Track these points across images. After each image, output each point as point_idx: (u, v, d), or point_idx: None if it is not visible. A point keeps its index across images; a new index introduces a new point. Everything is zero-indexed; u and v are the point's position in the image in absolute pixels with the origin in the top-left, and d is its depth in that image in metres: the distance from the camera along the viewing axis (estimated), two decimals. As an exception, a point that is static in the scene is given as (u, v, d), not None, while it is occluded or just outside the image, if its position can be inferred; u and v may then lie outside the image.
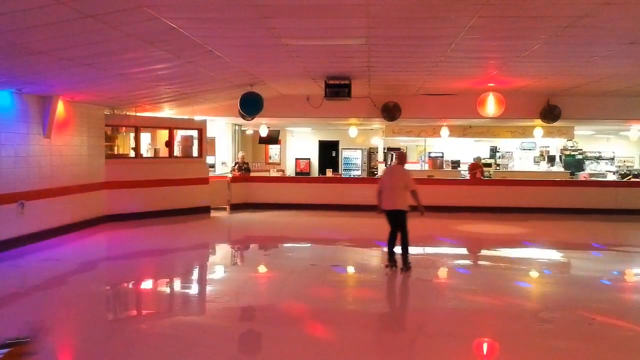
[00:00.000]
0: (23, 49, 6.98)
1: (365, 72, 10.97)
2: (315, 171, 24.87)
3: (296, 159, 25.21)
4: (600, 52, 8.65)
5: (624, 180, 18.79)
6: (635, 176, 19.55)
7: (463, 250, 11.29)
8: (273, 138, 23.06)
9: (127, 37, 7.16)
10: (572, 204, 15.46)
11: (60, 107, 10.78)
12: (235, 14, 6.55)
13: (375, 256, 10.34)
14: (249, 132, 23.28)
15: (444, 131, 18.85)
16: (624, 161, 23.15)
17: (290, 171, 24.42)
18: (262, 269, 9.44)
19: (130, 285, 8.25)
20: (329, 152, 25.53)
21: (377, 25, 7.02)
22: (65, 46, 7.25)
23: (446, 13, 6.38)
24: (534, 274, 9.12)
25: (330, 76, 11.67)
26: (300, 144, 25.45)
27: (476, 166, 17.79)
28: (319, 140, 25.49)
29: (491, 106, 12.57)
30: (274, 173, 19.98)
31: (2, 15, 5.69)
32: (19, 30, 6.28)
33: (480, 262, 10.29)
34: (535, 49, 8.32)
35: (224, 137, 19.92)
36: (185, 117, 15.50)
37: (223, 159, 19.89)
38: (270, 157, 25.32)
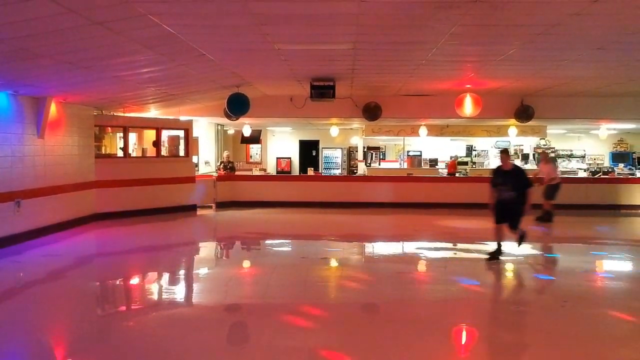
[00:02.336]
0: (27, 53, 7.31)
1: (349, 74, 11.45)
2: (295, 170, 25.27)
3: (277, 158, 25.60)
4: (571, 57, 9.26)
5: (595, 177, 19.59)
6: (604, 174, 20.31)
7: (441, 244, 11.78)
8: (255, 137, 23.45)
9: (128, 42, 7.52)
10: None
11: (53, 108, 11.06)
12: (232, 22, 6.96)
13: (357, 251, 10.84)
14: (231, 131, 23.64)
15: (422, 130, 19.42)
16: (595, 159, 24.02)
17: (271, 170, 24.78)
18: (250, 263, 9.86)
19: (124, 281, 8.60)
20: (309, 151, 25.98)
21: (365, 32, 7.49)
22: (68, 50, 7.59)
23: (430, 22, 6.87)
24: (509, 265, 9.69)
25: (315, 77, 12.11)
26: (281, 144, 25.86)
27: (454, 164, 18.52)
28: (300, 140, 25.93)
29: (468, 107, 13.17)
30: (256, 172, 20.35)
31: (12, 24, 6.03)
32: (27, 37, 6.61)
33: (458, 255, 10.83)
34: (510, 53, 8.89)
35: (207, 137, 20.25)
36: (171, 117, 15.81)
37: (206, 159, 20.23)
38: (251, 157, 25.68)
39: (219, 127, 21.07)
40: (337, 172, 24.83)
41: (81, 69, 8.77)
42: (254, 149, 25.61)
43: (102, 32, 6.74)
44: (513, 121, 16.53)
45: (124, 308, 7.28)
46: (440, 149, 23.08)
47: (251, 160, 25.30)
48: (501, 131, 19.81)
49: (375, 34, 7.78)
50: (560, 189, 13.72)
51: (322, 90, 12.23)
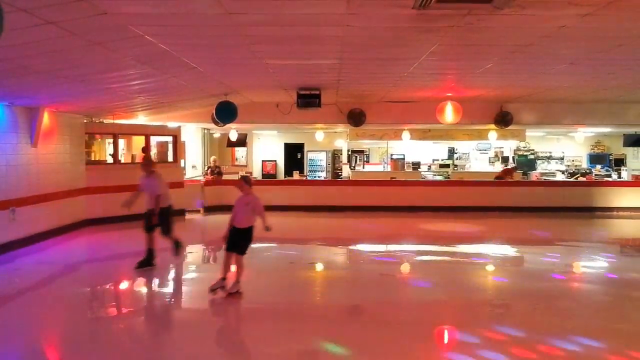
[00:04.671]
0: (26, 70, 7.62)
1: (334, 83, 11.85)
2: (281, 173, 25.54)
3: (262, 161, 25.83)
4: (545, 70, 9.76)
5: (573, 179, 20.22)
6: (582, 175, 20.91)
7: (423, 247, 12.21)
8: (241, 141, 23.68)
9: (123, 59, 7.86)
10: (525, 203, 16.78)
11: (45, 118, 11.32)
12: (225, 41, 7.32)
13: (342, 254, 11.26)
14: (217, 135, 23.86)
15: (405, 134, 19.76)
16: (573, 160, 24.62)
17: (256, 173, 25.03)
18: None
19: (115, 286, 8.93)
20: (294, 154, 26.25)
21: (350, 49, 7.91)
22: (65, 67, 7.92)
23: (411, 42, 7.31)
24: (490, 267, 10.16)
25: (302, 87, 12.49)
26: (266, 146, 26.07)
27: (509, 171, 19.01)
28: (285, 143, 26.14)
29: (449, 114, 13.65)
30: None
31: (15, 46, 6.34)
32: (28, 56, 6.93)
33: (439, 258, 11.27)
34: (488, 67, 9.36)
35: (194, 141, 20.50)
36: (159, 123, 16.08)
37: (193, 162, 20.49)
38: (237, 159, 25.89)
39: (206, 131, 21.35)
40: (322, 174, 25.16)
41: (76, 82, 9.07)
42: (240, 151, 25.83)
43: (99, 50, 7.06)
44: (493, 125, 17.02)
45: (114, 313, 7.60)
46: (423, 152, 23.54)
47: (237, 163, 25.50)
48: (482, 135, 20.25)
49: (359, 51, 8.19)
50: (170, 214, 9.53)
51: (308, 100, 12.62)
